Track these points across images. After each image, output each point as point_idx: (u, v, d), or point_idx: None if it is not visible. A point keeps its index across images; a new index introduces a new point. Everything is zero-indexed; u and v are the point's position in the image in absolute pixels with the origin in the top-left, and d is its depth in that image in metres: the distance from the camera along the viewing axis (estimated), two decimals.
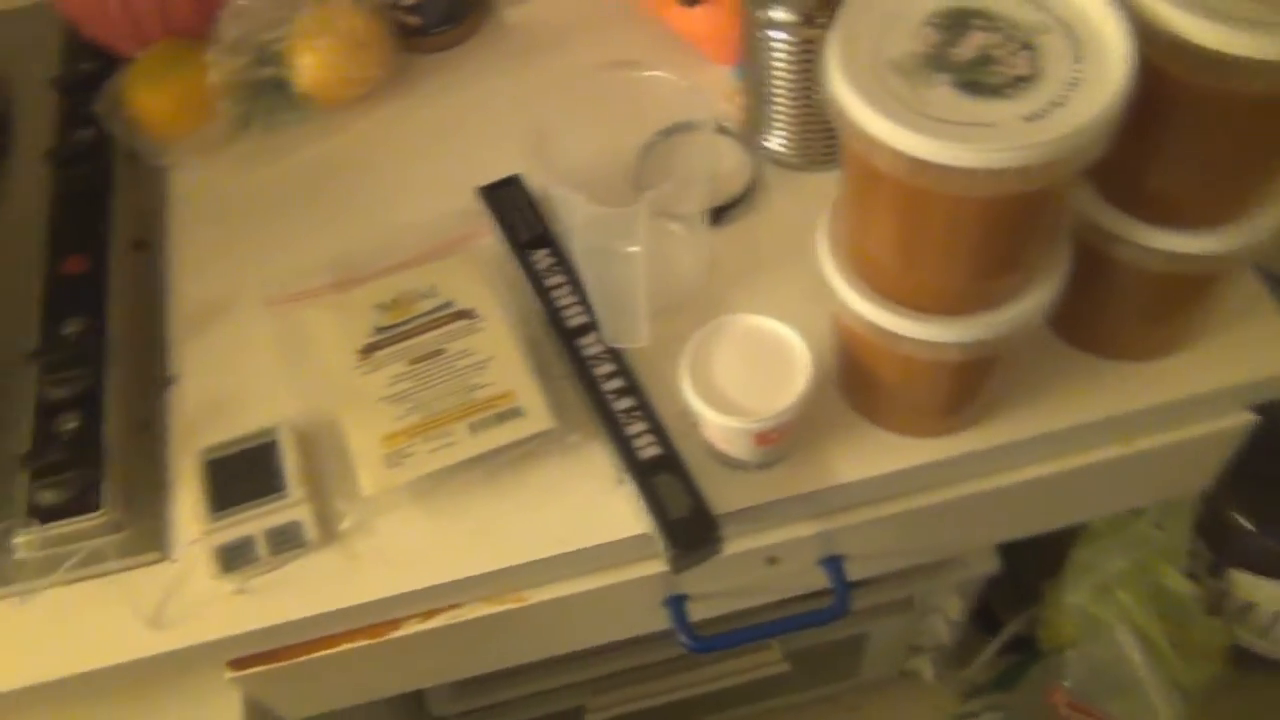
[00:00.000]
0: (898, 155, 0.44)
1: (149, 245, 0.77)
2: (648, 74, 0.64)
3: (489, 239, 0.74)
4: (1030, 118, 0.44)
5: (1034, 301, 0.53)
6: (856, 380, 0.63)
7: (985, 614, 1.34)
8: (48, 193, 0.78)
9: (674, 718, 1.25)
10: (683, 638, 0.69)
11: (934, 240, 0.49)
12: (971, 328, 0.53)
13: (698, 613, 0.71)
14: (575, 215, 0.58)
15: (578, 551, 0.63)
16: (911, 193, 0.46)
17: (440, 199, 0.76)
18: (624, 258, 0.59)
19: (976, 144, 0.43)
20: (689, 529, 0.60)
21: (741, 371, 0.59)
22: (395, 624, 0.66)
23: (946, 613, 1.16)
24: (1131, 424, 0.66)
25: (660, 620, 0.71)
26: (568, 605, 0.67)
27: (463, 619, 0.66)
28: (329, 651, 0.66)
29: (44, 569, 0.63)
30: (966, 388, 0.60)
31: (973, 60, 0.46)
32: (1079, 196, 0.56)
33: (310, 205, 0.78)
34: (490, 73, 0.83)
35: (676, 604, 0.70)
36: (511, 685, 1.04)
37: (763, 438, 0.60)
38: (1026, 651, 1.28)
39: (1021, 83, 0.45)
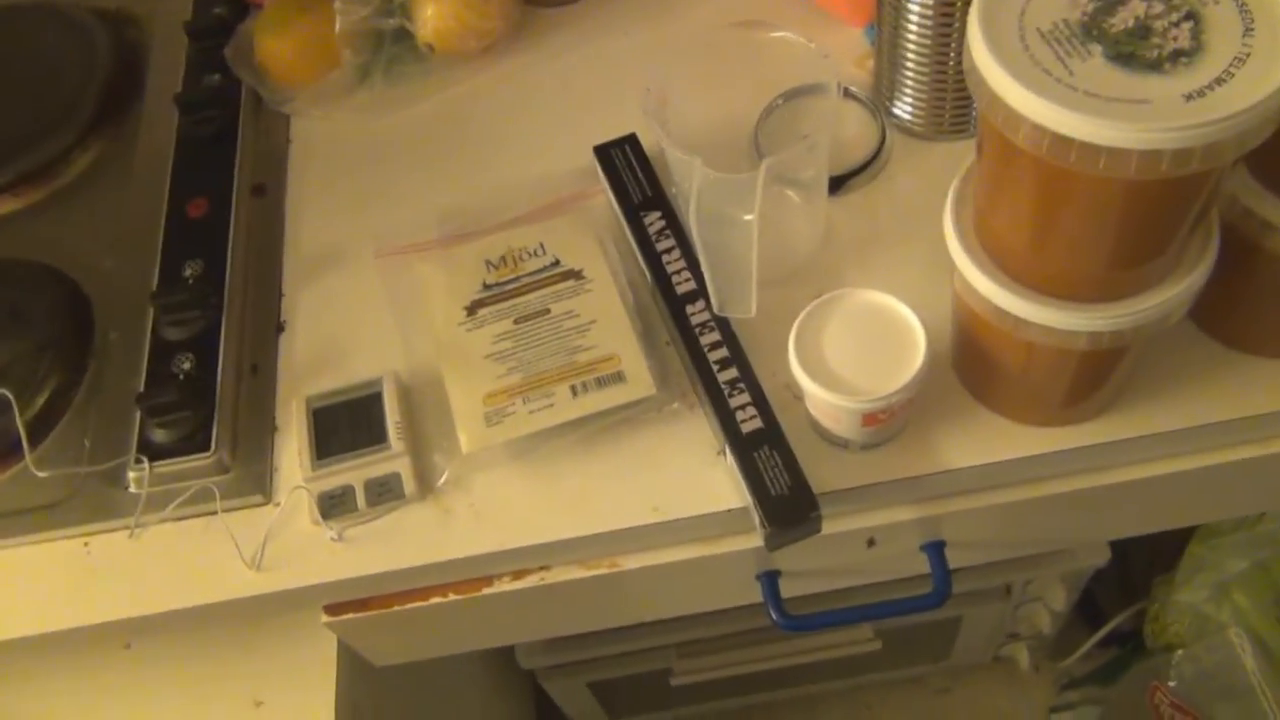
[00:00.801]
0: (1040, 131, 0.41)
1: (268, 191, 0.78)
2: (775, 34, 0.61)
3: (601, 199, 0.73)
4: (1190, 96, 0.40)
5: (1174, 292, 0.50)
6: (974, 363, 0.60)
7: (1088, 604, 1.29)
8: (174, 136, 0.80)
9: (759, 687, 1.25)
10: (773, 615, 0.68)
11: (1072, 223, 0.46)
12: (1103, 317, 0.50)
13: (791, 589, 0.69)
14: (692, 179, 0.56)
15: (672, 522, 0.62)
16: (1052, 172, 0.43)
17: (555, 156, 0.75)
18: (739, 225, 0.57)
19: (1129, 123, 0.39)
20: (788, 507, 0.58)
21: (853, 348, 0.57)
22: (487, 581, 0.66)
23: (1048, 602, 1.12)
24: (1270, 425, 0.62)
25: (752, 594, 0.70)
26: (659, 574, 0.67)
27: (553, 581, 0.66)
28: (420, 604, 0.66)
29: (153, 505, 0.65)
30: (1092, 378, 0.57)
31: (1129, 31, 0.42)
32: (1232, 179, 0.52)
33: (425, 157, 0.78)
34: (612, 29, 0.81)
35: (769, 580, 0.68)
36: (600, 644, 1.04)
37: (871, 418, 0.57)
38: (1129, 646, 1.24)
39: (1182, 57, 0.41)
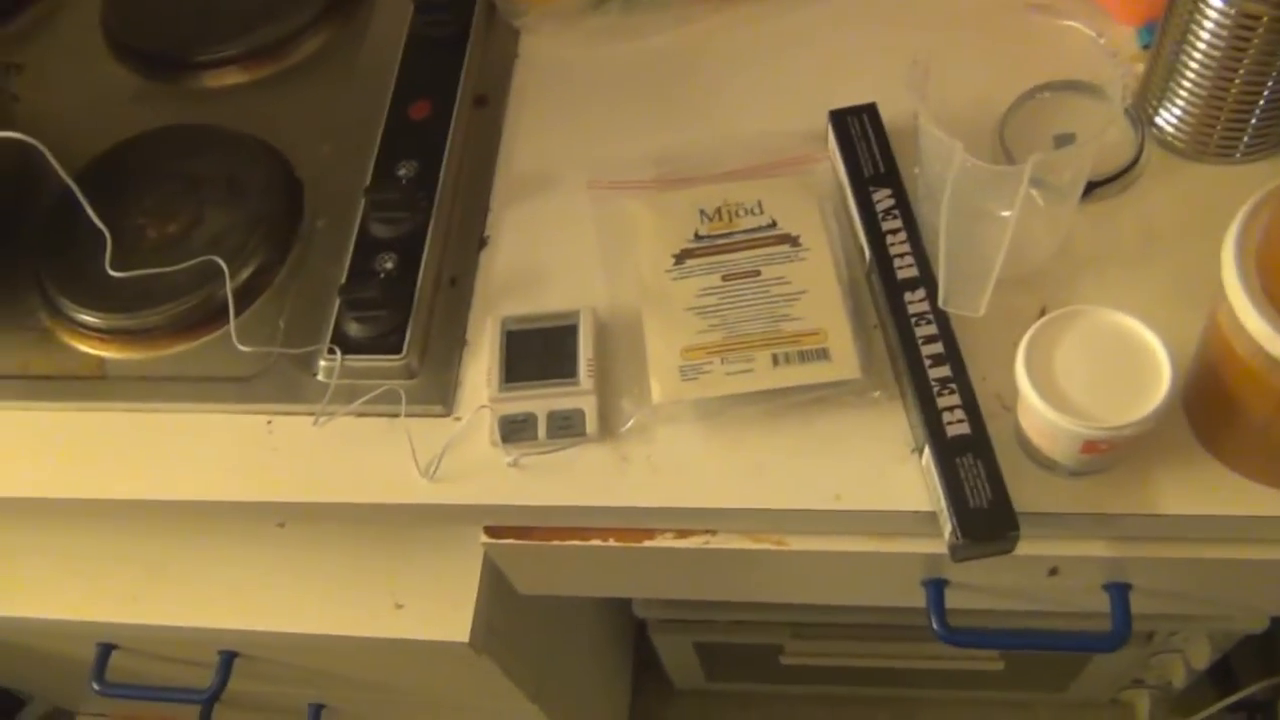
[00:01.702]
0: None
1: (489, 103, 0.77)
2: (1064, 23, 0.57)
3: (826, 165, 0.70)
4: None
5: None
6: (1213, 407, 0.56)
7: (1220, 667, 1.23)
8: (404, 33, 0.80)
9: (864, 680, 1.23)
10: (935, 625, 0.65)
11: None
12: None
13: (954, 600, 0.67)
14: (950, 164, 0.53)
15: (853, 512, 0.59)
16: None
17: (784, 113, 0.72)
18: (990, 220, 0.54)
19: None
20: (985, 521, 0.55)
21: (1087, 368, 0.54)
22: (650, 534, 0.65)
23: (1189, 657, 1.06)
24: None
25: (914, 598, 0.67)
26: (824, 560, 0.65)
27: (716, 546, 0.65)
28: (579, 543, 0.65)
29: (339, 396, 0.65)
30: None
31: None
32: None
33: (650, 93, 0.76)
34: None
35: (937, 588, 0.66)
36: (720, 608, 1.03)
37: (1091, 446, 0.54)
38: (1260, 717, 1.18)
39: None
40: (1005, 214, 0.53)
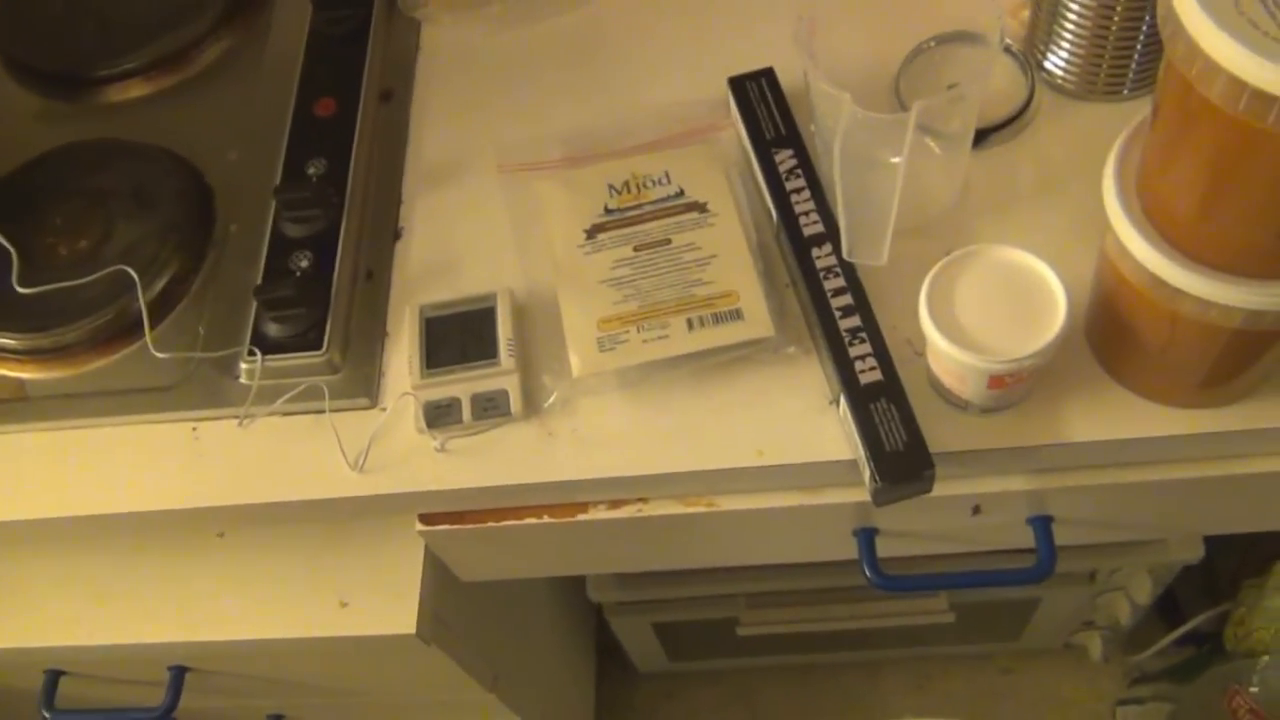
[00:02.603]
0: (1239, 86, 0.38)
1: (394, 96, 0.77)
2: None
3: (730, 132, 0.71)
4: None
5: None
6: (1111, 333, 0.58)
7: (1168, 602, 1.26)
8: (305, 33, 0.80)
9: (824, 646, 1.24)
10: (868, 572, 0.67)
11: (1253, 188, 0.44)
12: (1268, 294, 0.47)
13: (886, 549, 0.68)
14: (838, 116, 0.54)
15: (777, 467, 0.60)
16: (1241, 132, 0.41)
17: (685, 84, 0.73)
18: (883, 168, 0.55)
19: None
20: (901, 463, 0.57)
21: (986, 306, 0.55)
22: (582, 507, 0.66)
23: (1131, 593, 1.09)
24: None
25: (847, 549, 0.68)
26: (756, 519, 0.66)
27: (648, 514, 0.65)
28: (513, 523, 0.66)
29: (262, 397, 0.65)
30: (1241, 359, 0.54)
31: None
32: None
33: (554, 74, 0.76)
34: None
35: (867, 536, 0.67)
36: (673, 585, 1.04)
37: (997, 381, 0.55)
38: (1207, 648, 1.20)
39: None
40: (896, 161, 0.54)
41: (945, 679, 1.35)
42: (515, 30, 0.79)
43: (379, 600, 0.73)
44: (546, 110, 0.75)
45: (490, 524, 0.66)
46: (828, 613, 1.10)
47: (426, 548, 0.73)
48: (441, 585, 0.75)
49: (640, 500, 0.66)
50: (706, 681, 1.37)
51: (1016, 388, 0.57)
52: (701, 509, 0.65)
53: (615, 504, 0.66)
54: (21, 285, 0.66)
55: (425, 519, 0.67)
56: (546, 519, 0.66)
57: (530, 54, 0.78)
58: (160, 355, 0.66)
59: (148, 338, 0.66)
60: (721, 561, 0.75)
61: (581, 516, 0.66)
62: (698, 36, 0.76)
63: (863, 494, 0.59)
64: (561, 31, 0.78)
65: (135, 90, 0.82)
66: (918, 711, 1.34)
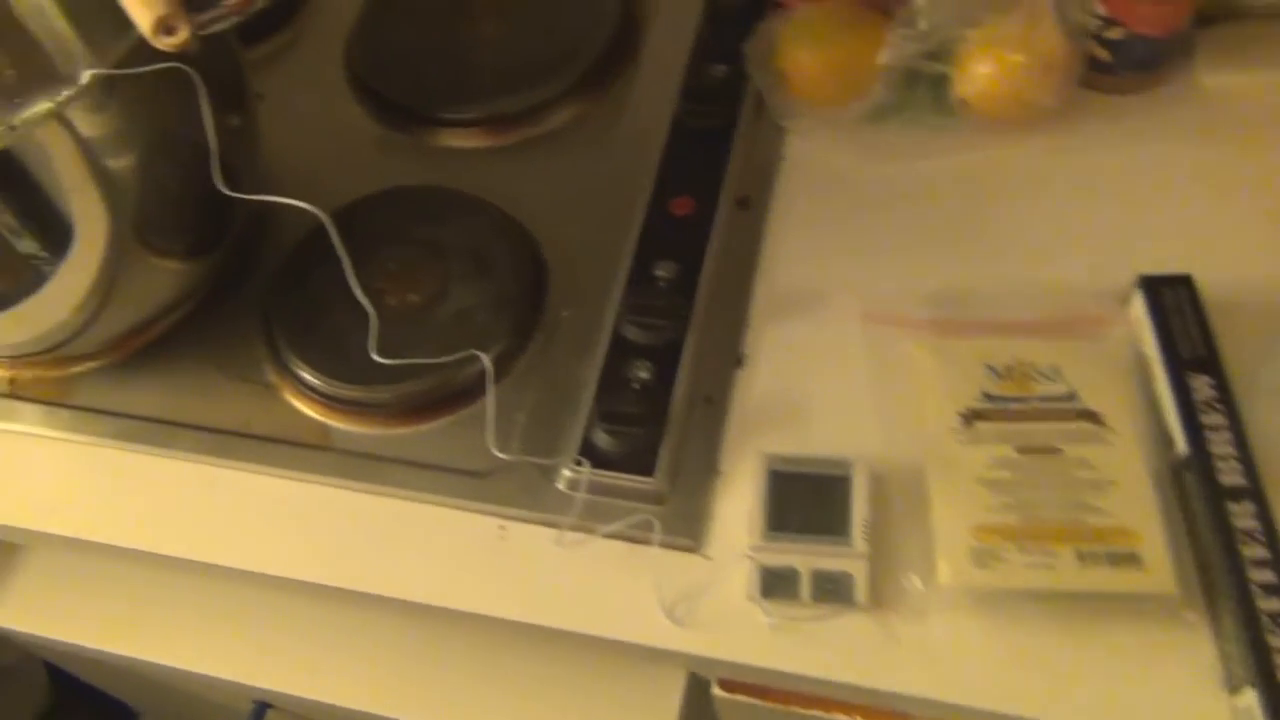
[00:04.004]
0: None
1: (751, 205, 0.73)
2: None
3: (1123, 331, 0.64)
4: None
5: None
6: None
7: None
8: (668, 119, 0.75)
9: None
10: None
11: None
12: None
13: None
14: None
15: None
16: None
17: (1076, 263, 0.67)
18: None
19: None
20: None
21: None
22: (902, 717, 0.60)
23: None
24: None
25: None
26: None
27: None
28: (820, 714, 0.60)
29: (580, 510, 0.61)
30: None
31: None
32: None
33: (928, 219, 0.71)
34: (1171, 137, 0.71)
35: None
36: None
37: None
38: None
39: None
40: None
41: None
42: (889, 163, 0.73)
43: None
44: (915, 258, 0.69)
45: (795, 708, 0.61)
46: None
47: (687, 694, 0.68)
48: None
49: None
50: None
51: None
52: None
53: None
54: (380, 354, 0.62)
55: (726, 685, 0.62)
56: (857, 719, 0.60)
57: (903, 191, 0.72)
58: (498, 454, 0.62)
59: (489, 429, 0.62)
60: None
61: None
62: (1096, 214, 0.69)
63: None
64: (940, 174, 0.73)
65: (475, 140, 0.79)
66: None
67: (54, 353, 0.70)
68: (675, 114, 0.76)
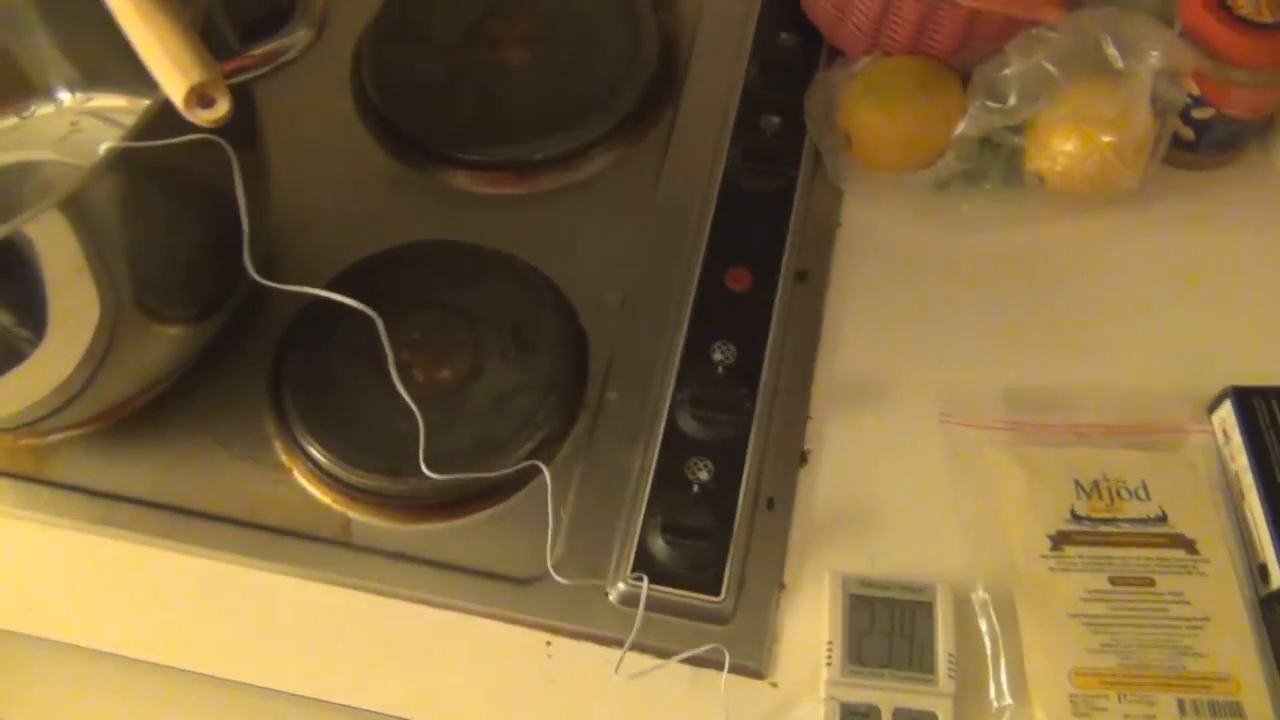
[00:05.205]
0: None
1: (810, 278, 0.67)
2: None
3: (1204, 439, 0.61)
4: None
5: None
6: None
7: None
8: (718, 174, 0.69)
9: None
10: None
11: None
12: None
13: None
14: None
15: None
16: None
17: (1157, 364, 0.64)
18: None
19: None
20: None
21: None
22: None
23: None
24: None
25: None
26: None
27: None
28: None
29: (628, 627, 0.56)
30: None
31: None
32: None
33: (999, 299, 0.67)
34: (1253, 220, 0.68)
35: None
36: None
37: None
38: None
39: None
40: None
41: None
42: (951, 233, 0.68)
43: None
44: (988, 345, 0.65)
45: None
46: None
47: None
48: None
49: None
50: None
51: None
52: None
53: None
54: (431, 468, 0.55)
55: None
56: None
57: (968, 267, 0.68)
58: (560, 578, 0.56)
59: (548, 552, 0.56)
60: None
61: None
62: (1178, 306, 0.66)
63: None
64: (1008, 250, 0.68)
65: (502, 186, 0.72)
66: None
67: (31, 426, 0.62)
68: (726, 170, 0.69)
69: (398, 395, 0.58)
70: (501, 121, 0.73)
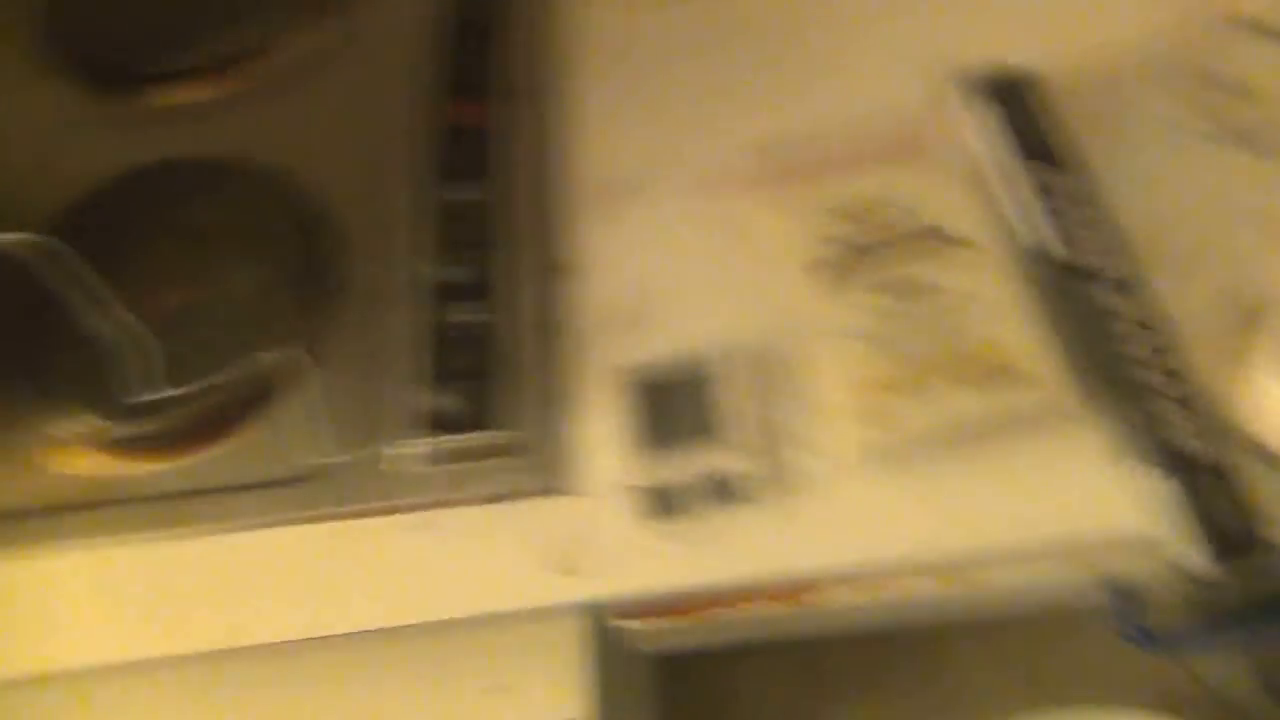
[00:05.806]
0: None
1: (541, 95, 0.64)
2: None
3: (958, 140, 0.60)
4: None
5: None
6: None
7: None
8: (426, 15, 0.66)
9: None
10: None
11: None
12: None
13: None
14: None
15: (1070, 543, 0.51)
16: None
17: (904, 80, 0.62)
18: None
19: None
20: (1236, 541, 0.48)
21: None
22: (812, 587, 0.56)
23: None
24: None
25: None
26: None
27: (896, 594, 0.56)
28: (727, 609, 0.56)
29: (430, 488, 0.54)
30: None
31: None
32: None
33: (734, 61, 0.65)
34: None
35: None
36: None
37: None
38: None
39: None
40: None
41: None
42: (687, 5, 0.66)
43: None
44: (730, 108, 0.64)
45: (703, 612, 0.56)
46: None
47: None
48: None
49: (887, 579, 0.56)
50: None
51: None
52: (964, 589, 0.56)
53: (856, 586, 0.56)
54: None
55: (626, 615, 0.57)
56: (765, 603, 0.56)
57: (702, 33, 0.66)
58: (346, 460, 0.54)
59: (327, 438, 0.54)
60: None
61: (807, 597, 0.56)
62: (911, 24, 0.64)
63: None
64: (749, 10, 0.65)
65: (204, 91, 0.68)
66: None
67: None
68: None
69: (133, 332, 0.55)
70: (181, 28, 0.69)
